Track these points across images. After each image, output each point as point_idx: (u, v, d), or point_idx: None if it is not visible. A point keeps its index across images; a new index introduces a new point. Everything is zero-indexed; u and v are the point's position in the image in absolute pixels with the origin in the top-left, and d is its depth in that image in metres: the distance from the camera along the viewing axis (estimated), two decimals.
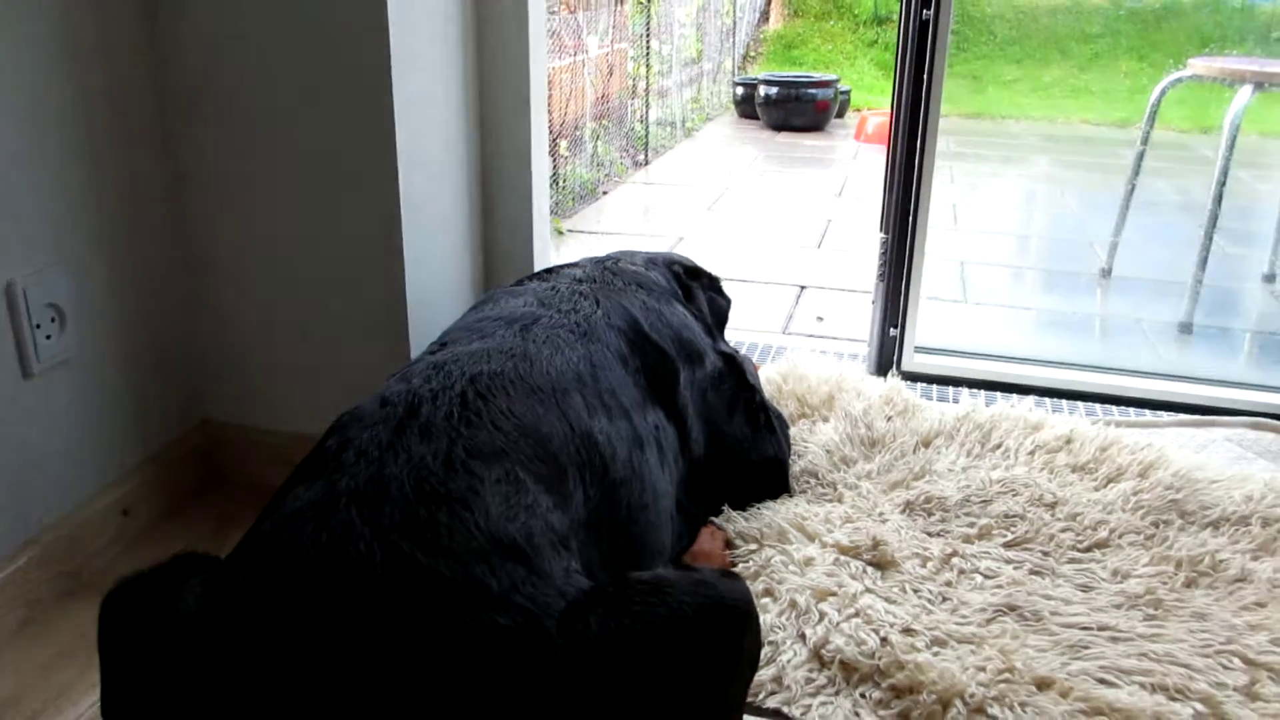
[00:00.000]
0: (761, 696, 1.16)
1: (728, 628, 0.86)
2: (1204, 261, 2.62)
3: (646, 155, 5.47)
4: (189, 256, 1.66)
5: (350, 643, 0.76)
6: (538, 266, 1.90)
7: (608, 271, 1.51)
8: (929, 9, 1.86)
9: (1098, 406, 1.96)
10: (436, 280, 1.73)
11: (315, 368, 1.68)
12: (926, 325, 2.15)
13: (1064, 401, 1.98)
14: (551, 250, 1.85)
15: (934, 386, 2.04)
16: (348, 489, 0.87)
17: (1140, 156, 2.98)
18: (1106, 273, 3.16)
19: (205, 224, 1.64)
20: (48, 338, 1.40)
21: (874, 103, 7.17)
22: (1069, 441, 1.70)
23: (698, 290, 1.69)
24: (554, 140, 4.26)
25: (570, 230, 3.97)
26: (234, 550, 0.88)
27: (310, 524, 0.84)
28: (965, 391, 1.99)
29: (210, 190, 1.62)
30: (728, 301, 1.81)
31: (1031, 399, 1.91)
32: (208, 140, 1.58)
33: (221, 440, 1.75)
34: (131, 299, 1.57)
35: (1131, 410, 1.94)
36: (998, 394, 1.99)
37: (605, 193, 4.69)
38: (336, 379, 1.65)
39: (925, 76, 1.90)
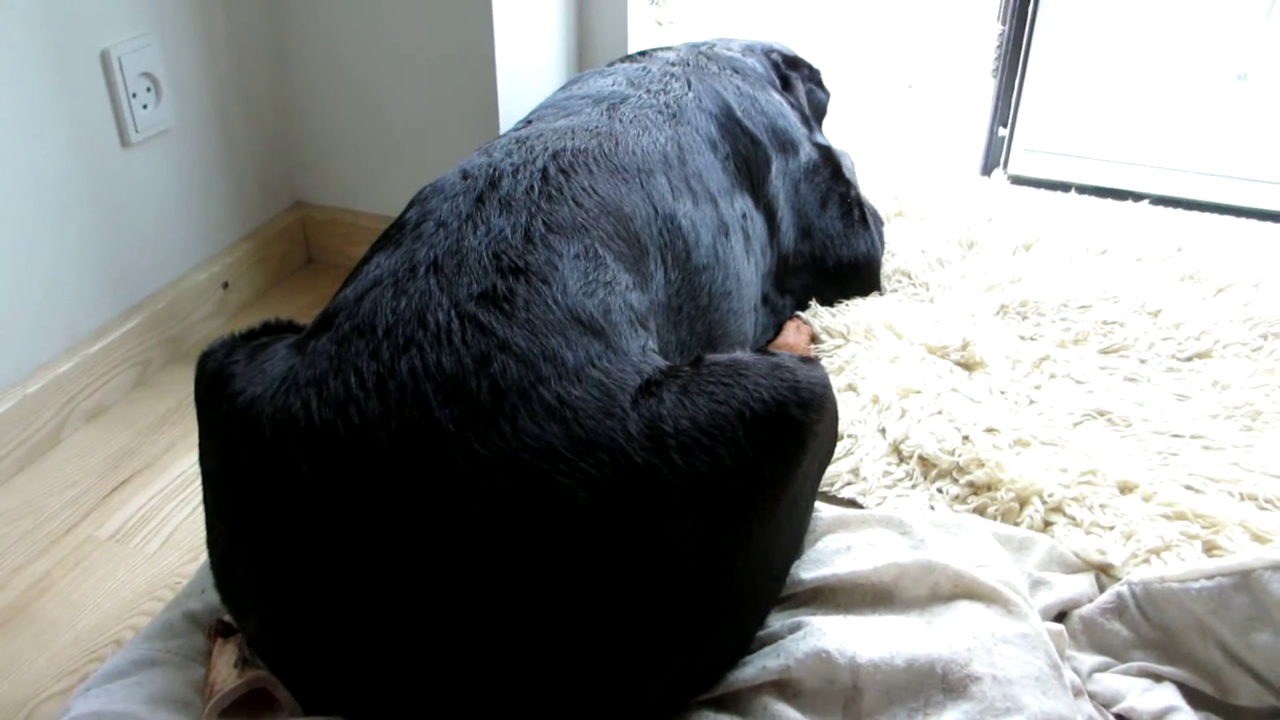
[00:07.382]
0: (838, 486, 1.17)
1: (803, 411, 0.86)
2: None
3: None
4: (280, 39, 1.64)
5: (425, 407, 0.77)
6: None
7: (702, 55, 1.45)
8: None
9: (1215, 216, 1.85)
10: (527, 66, 1.68)
11: (406, 151, 1.67)
12: (1038, 126, 2.03)
13: (1180, 211, 1.87)
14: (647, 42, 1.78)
15: (1041, 191, 1.94)
16: (426, 259, 0.87)
17: None
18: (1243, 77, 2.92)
19: (295, 5, 1.61)
20: (144, 107, 1.42)
21: None
22: (1179, 249, 1.62)
23: (796, 80, 1.61)
24: None
25: (669, 22, 3.82)
26: (318, 316, 0.90)
27: (389, 291, 0.85)
28: (1074, 195, 1.89)
29: None
30: (828, 95, 1.73)
31: (1145, 204, 1.81)
32: None
33: (316, 221, 1.77)
34: (226, 75, 1.56)
35: (1253, 222, 1.83)
36: (1109, 200, 1.88)
37: None
38: (427, 162, 1.64)
39: None
